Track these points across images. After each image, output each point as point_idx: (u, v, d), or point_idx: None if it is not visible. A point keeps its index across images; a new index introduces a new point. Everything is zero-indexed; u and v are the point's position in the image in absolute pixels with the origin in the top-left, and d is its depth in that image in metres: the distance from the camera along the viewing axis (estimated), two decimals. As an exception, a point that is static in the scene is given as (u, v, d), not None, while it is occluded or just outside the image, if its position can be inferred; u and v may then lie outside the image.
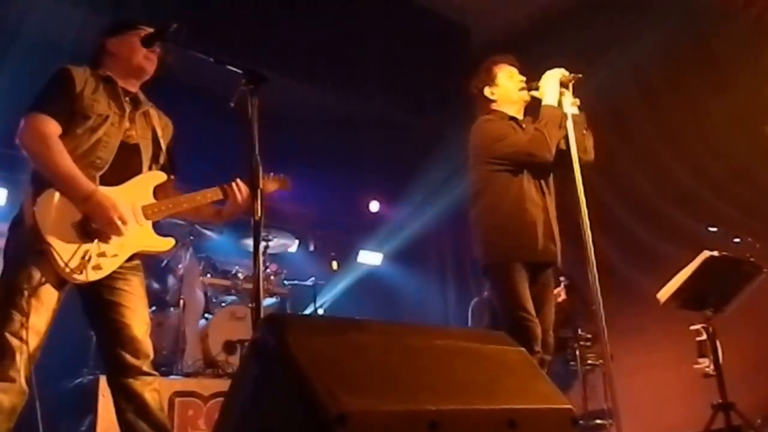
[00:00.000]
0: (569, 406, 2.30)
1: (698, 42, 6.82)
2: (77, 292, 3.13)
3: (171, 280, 6.46)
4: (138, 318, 3.15)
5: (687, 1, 6.85)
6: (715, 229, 4.99)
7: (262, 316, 2.57)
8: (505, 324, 3.90)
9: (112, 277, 3.08)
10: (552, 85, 4.05)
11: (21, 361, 2.83)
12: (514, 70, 4.27)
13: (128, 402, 3.07)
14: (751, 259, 4.71)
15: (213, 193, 3.37)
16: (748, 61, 6.41)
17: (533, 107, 4.23)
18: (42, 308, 2.91)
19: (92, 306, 3.16)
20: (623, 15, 7.19)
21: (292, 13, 7.30)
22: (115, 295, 3.11)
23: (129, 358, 3.07)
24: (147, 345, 3.15)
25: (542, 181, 4.16)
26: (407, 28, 8.13)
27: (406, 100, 8.15)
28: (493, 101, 4.27)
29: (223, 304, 6.80)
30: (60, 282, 2.96)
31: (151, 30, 3.31)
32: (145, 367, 3.11)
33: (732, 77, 6.47)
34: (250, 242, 6.96)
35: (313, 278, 7.58)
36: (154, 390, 3.12)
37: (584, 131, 4.13)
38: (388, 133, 8.50)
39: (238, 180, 3.33)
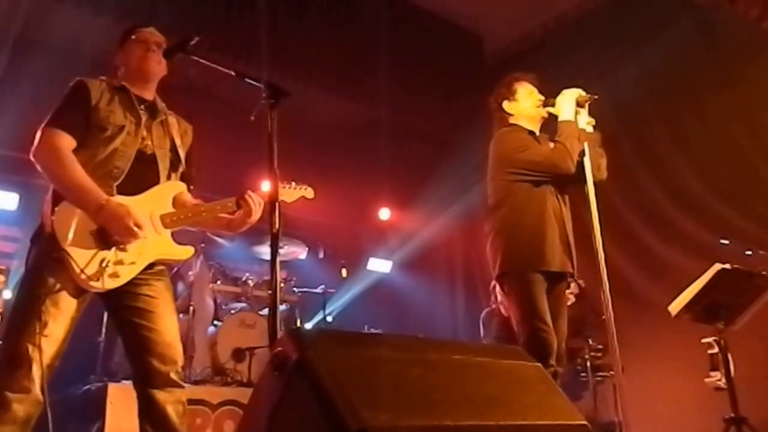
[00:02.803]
0: (585, 423, 2.32)
1: (711, 51, 6.81)
2: (100, 301, 3.12)
3: (181, 287, 6.48)
4: (164, 322, 3.10)
5: (699, 10, 6.85)
6: (727, 242, 4.98)
7: (277, 325, 2.57)
8: (520, 334, 3.90)
9: (134, 283, 3.06)
10: (568, 103, 4.08)
11: (37, 370, 2.80)
12: (534, 89, 4.31)
13: (149, 413, 3.04)
14: (764, 272, 4.69)
15: (232, 203, 3.32)
16: (760, 69, 6.40)
17: (548, 125, 4.24)
18: (60, 316, 2.89)
19: (116, 313, 3.14)
20: (636, 24, 7.19)
21: (304, 21, 7.32)
22: (139, 301, 3.08)
23: (156, 364, 3.03)
24: (175, 350, 3.10)
25: (560, 194, 4.19)
26: (420, 37, 8.12)
27: (418, 108, 8.15)
28: (510, 115, 4.29)
29: (233, 312, 6.81)
30: (78, 290, 2.94)
31: (147, 29, 3.35)
32: (173, 374, 3.06)
33: (746, 86, 6.47)
34: (260, 249, 7.11)
35: (322, 286, 7.59)
36: (177, 402, 3.07)
37: (598, 150, 4.16)
38: (399, 141, 8.50)
39: (250, 192, 3.30)
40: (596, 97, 4.06)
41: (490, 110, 4.40)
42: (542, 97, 4.26)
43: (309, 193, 3.63)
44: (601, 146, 4.20)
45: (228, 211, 3.32)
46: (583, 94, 4.08)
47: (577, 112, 4.05)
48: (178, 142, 3.35)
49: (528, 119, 4.27)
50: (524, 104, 4.27)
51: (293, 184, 3.54)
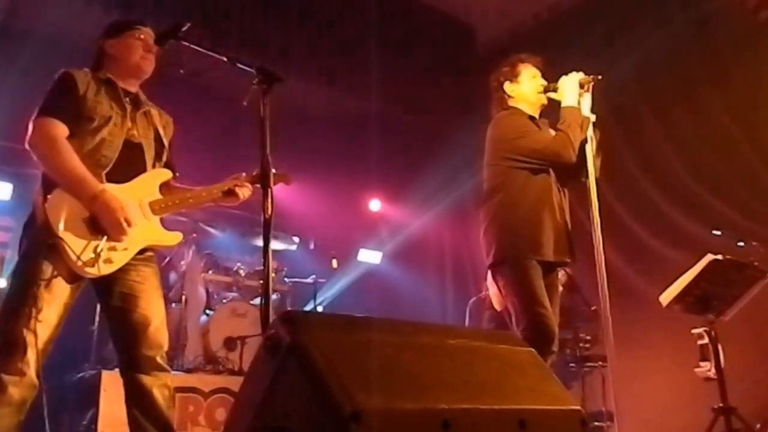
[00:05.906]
0: (578, 408, 2.32)
1: (703, 42, 6.81)
2: (91, 287, 3.16)
3: (173, 276, 6.49)
4: (151, 308, 3.16)
5: (693, 2, 6.85)
6: (719, 233, 4.99)
7: (269, 312, 2.58)
8: (520, 321, 3.83)
9: (123, 269, 3.11)
10: (571, 88, 3.99)
11: (32, 354, 2.85)
12: (538, 73, 4.21)
13: (136, 398, 3.09)
14: (755, 263, 4.69)
15: (218, 190, 3.41)
16: (753, 62, 6.41)
17: (551, 111, 4.19)
18: (54, 301, 2.93)
19: (106, 299, 3.18)
20: (629, 15, 7.19)
21: (293, 11, 7.30)
22: (127, 287, 3.14)
23: (141, 348, 3.09)
24: (161, 335, 3.16)
25: (559, 183, 4.11)
26: (411, 27, 8.11)
27: (408, 98, 8.12)
28: (511, 97, 4.21)
29: (224, 301, 6.84)
30: (72, 276, 2.98)
31: (147, 29, 3.38)
32: (159, 358, 3.13)
33: (739, 79, 6.47)
34: (252, 239, 7.09)
35: (313, 276, 7.58)
36: (164, 386, 3.12)
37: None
38: (390, 132, 8.48)
39: (243, 181, 3.39)
40: (600, 77, 3.97)
41: (489, 89, 4.31)
42: (545, 82, 4.16)
43: (287, 178, 3.63)
44: (598, 146, 4.08)
45: (213, 198, 3.41)
46: (585, 76, 3.99)
47: (579, 95, 3.98)
48: (161, 131, 3.43)
49: (527, 104, 4.18)
50: (526, 88, 4.18)
51: (273, 170, 3.56)
